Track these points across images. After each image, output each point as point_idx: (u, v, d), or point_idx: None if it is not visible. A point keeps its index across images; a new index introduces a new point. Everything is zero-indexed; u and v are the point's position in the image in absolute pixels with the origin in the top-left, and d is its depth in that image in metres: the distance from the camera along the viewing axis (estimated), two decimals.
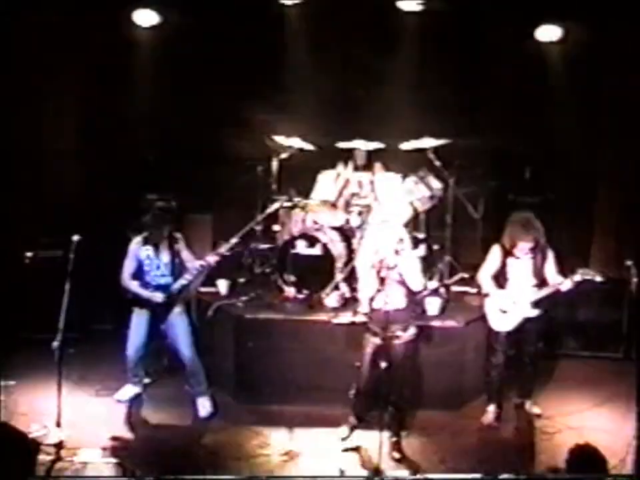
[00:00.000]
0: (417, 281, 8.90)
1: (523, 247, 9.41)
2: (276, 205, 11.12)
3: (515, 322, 9.55)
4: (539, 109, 12.17)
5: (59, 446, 8.51)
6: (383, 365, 8.52)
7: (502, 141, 12.26)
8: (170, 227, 9.56)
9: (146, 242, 9.49)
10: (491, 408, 9.80)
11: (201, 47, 12.18)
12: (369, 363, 8.78)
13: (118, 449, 8.85)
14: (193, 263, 9.47)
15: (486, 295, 9.67)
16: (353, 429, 9.10)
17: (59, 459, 8.40)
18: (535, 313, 9.51)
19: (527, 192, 11.96)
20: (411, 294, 8.93)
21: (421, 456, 9.01)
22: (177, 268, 9.48)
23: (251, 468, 8.61)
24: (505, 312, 9.54)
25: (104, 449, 8.69)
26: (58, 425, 8.61)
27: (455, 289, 11.28)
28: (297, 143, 11.17)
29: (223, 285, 10.85)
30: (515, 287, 9.51)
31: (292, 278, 10.57)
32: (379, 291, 8.73)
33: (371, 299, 8.87)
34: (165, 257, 9.48)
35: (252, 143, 11.78)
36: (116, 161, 12.29)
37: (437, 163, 11.17)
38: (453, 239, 11.34)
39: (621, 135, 11.99)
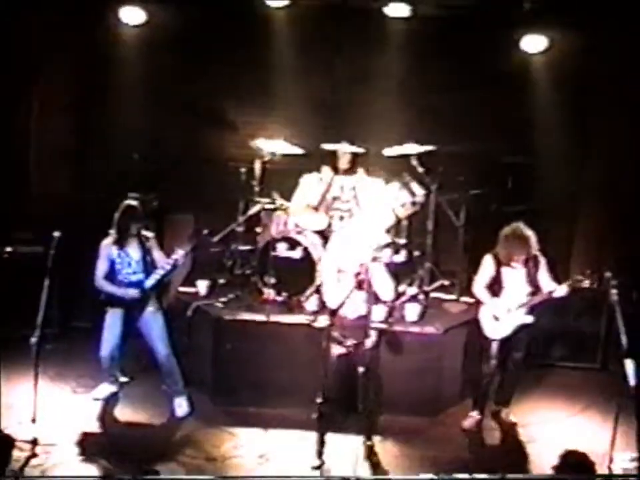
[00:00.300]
0: (386, 289, 8.89)
1: (518, 258, 9.52)
2: (258, 207, 11.14)
3: (509, 330, 9.59)
4: (523, 117, 12.18)
5: (34, 442, 8.48)
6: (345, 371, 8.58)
7: (485, 149, 12.28)
8: (139, 225, 9.54)
9: (116, 240, 9.49)
10: (474, 413, 9.84)
11: (185, 47, 12.14)
12: (333, 370, 8.67)
13: (93, 446, 8.81)
14: (164, 260, 9.46)
15: (480, 304, 9.71)
16: (320, 454, 8.73)
17: (33, 455, 8.37)
18: (528, 320, 9.55)
19: (509, 201, 11.97)
20: (375, 301, 8.81)
21: (396, 461, 9.02)
22: (149, 265, 9.49)
23: (225, 469, 8.60)
24: (499, 320, 9.57)
25: (79, 446, 8.64)
26: (33, 421, 8.58)
27: (434, 295, 11.29)
28: (280, 145, 11.18)
29: (202, 286, 10.83)
30: (509, 295, 9.57)
31: (272, 280, 10.54)
32: (344, 297, 8.63)
33: (335, 305, 8.72)
34: (136, 254, 9.49)
35: (235, 144, 11.76)
36: (100, 159, 12.25)
37: (420, 169, 11.19)
38: (433, 246, 11.35)
39: (604, 144, 12.04)
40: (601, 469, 8.15)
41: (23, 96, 11.81)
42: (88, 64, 12.14)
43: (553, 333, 11.60)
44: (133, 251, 9.49)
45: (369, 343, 8.74)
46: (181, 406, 9.73)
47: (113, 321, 9.47)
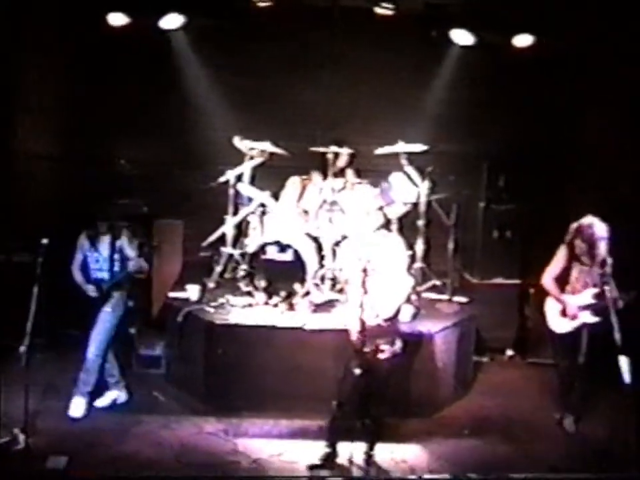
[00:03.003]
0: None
1: (589, 254, 9.54)
2: (247, 210, 11.10)
3: (573, 326, 9.63)
4: (514, 115, 12.17)
5: (26, 452, 8.40)
6: (365, 377, 8.36)
7: (476, 148, 12.25)
8: (108, 224, 9.56)
9: (87, 235, 9.61)
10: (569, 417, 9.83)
11: (171, 50, 12.09)
12: (352, 377, 8.41)
13: (85, 456, 8.72)
14: (132, 261, 9.50)
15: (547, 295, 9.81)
16: (327, 457, 8.77)
17: (25, 465, 8.29)
18: (593, 319, 9.51)
19: (499, 200, 11.95)
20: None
21: (390, 464, 8.98)
22: (115, 264, 9.51)
23: (219, 475, 8.56)
24: (566, 315, 9.64)
25: (71, 456, 8.57)
26: (24, 431, 8.51)
27: (426, 295, 11.25)
28: (268, 147, 11.14)
29: (193, 290, 10.76)
30: (575, 291, 9.65)
31: (263, 283, 10.51)
32: (365, 302, 8.48)
33: (359, 311, 8.51)
34: (105, 251, 9.54)
35: (224, 147, 11.67)
36: (88, 165, 12.17)
37: (410, 169, 11.17)
38: (424, 246, 11.31)
39: (594, 143, 12.02)
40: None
41: (6, 101, 11.71)
42: (74, 67, 12.05)
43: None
44: (103, 248, 9.55)
45: (393, 349, 8.60)
46: (77, 407, 9.64)
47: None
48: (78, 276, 9.64)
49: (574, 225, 9.72)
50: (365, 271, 8.40)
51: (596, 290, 9.45)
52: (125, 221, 9.77)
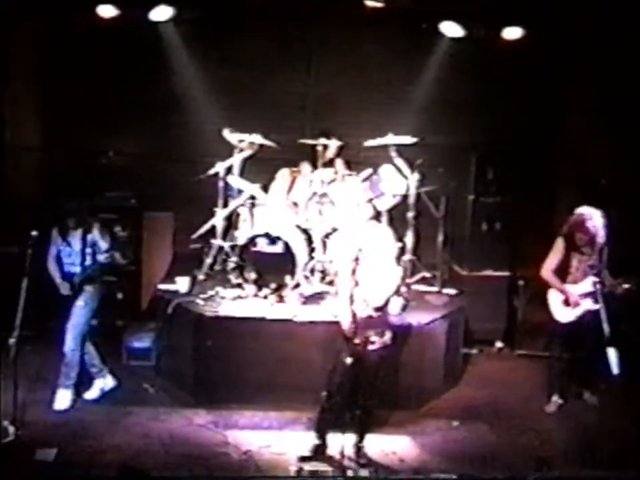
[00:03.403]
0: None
1: (587, 243, 9.70)
2: (237, 202, 11.11)
3: (576, 314, 9.75)
4: (503, 109, 12.20)
5: (15, 444, 8.40)
6: (355, 368, 8.40)
7: (465, 141, 12.27)
8: (78, 218, 9.51)
9: (59, 230, 9.57)
10: (554, 398, 9.99)
11: (160, 43, 12.08)
12: (342, 369, 8.47)
13: (74, 448, 8.73)
14: (104, 254, 9.47)
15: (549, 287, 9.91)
16: (316, 449, 8.79)
17: (14, 457, 8.29)
18: (595, 307, 9.50)
19: (488, 192, 11.97)
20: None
21: (379, 455, 8.99)
22: (87, 257, 9.49)
23: (210, 467, 8.54)
24: (569, 305, 9.77)
25: (60, 448, 8.57)
26: (13, 423, 8.51)
27: (415, 287, 11.28)
28: (258, 139, 11.15)
29: (182, 283, 10.76)
30: (576, 280, 9.78)
31: (252, 275, 10.51)
32: (355, 293, 8.53)
33: (348, 302, 8.55)
34: (77, 246, 9.51)
35: (213, 140, 11.67)
36: (76, 158, 12.16)
37: (400, 162, 11.19)
38: (414, 238, 11.33)
39: (582, 136, 12.06)
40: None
41: None
42: (63, 59, 12.04)
43: (534, 322, 11.63)
44: (75, 242, 9.51)
45: (384, 340, 8.57)
46: (62, 400, 9.66)
47: None
48: (53, 270, 9.62)
49: (572, 217, 9.77)
50: (356, 259, 8.44)
51: (596, 278, 9.56)
52: (95, 215, 9.78)
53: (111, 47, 11.98)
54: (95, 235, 9.52)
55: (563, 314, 9.83)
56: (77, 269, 9.52)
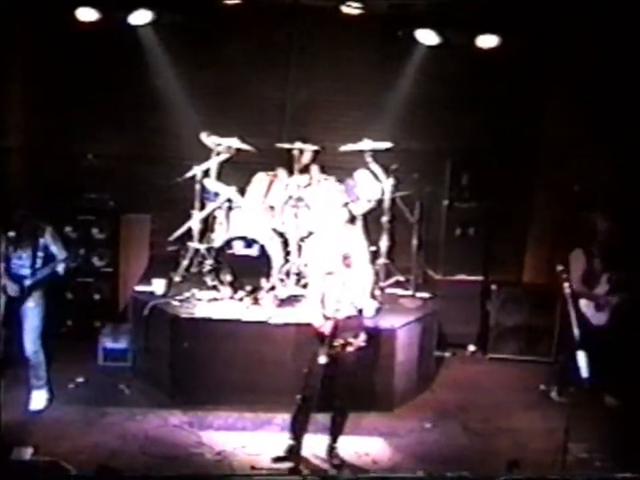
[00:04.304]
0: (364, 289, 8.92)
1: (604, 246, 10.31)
2: (213, 205, 11.17)
3: (608, 313, 10.35)
4: (478, 115, 12.29)
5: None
6: (329, 369, 8.51)
7: (440, 147, 12.35)
8: (29, 223, 9.49)
9: (7, 233, 9.42)
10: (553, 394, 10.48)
11: (140, 45, 12.10)
12: (318, 371, 8.54)
13: (50, 447, 8.77)
14: (61, 263, 9.52)
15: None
16: (291, 449, 8.86)
17: None
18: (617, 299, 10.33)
19: (462, 197, 12.08)
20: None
21: (352, 456, 9.09)
22: (38, 261, 9.48)
23: (184, 467, 8.61)
24: (600, 308, 10.32)
25: (36, 447, 8.63)
26: None
27: (390, 291, 11.37)
28: (235, 143, 11.21)
29: (159, 284, 10.81)
30: (599, 283, 10.37)
31: (228, 278, 10.58)
32: (331, 297, 8.68)
33: (323, 306, 8.73)
34: (28, 249, 9.48)
35: (191, 143, 11.73)
36: (55, 159, 12.19)
37: (375, 166, 11.28)
38: (388, 242, 11.43)
39: (556, 142, 12.18)
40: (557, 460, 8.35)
41: None
42: (39, 61, 12.05)
43: (507, 327, 11.75)
44: (25, 244, 9.47)
45: (358, 342, 8.66)
46: (37, 400, 9.74)
47: None
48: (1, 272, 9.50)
49: (593, 226, 10.37)
50: (345, 259, 8.57)
51: (607, 274, 10.26)
52: (47, 221, 9.68)
53: (91, 50, 11.95)
54: (47, 240, 9.52)
55: (599, 318, 10.30)
56: (27, 272, 9.47)
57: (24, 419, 9.40)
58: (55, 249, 9.55)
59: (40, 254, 9.48)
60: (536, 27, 11.63)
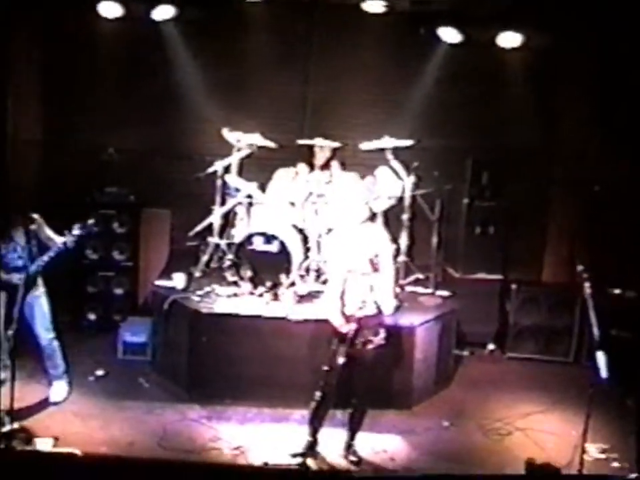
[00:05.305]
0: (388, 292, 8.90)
1: None
2: (234, 201, 11.19)
3: None
4: (499, 114, 12.27)
5: (11, 435, 8.49)
6: (348, 367, 8.53)
7: (460, 145, 12.33)
8: (19, 216, 9.48)
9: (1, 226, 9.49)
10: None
11: (161, 41, 12.14)
12: (338, 368, 8.53)
13: (70, 439, 8.79)
14: (53, 243, 9.46)
15: None
16: (309, 446, 8.86)
17: (10, 448, 8.36)
18: None
19: (483, 196, 12.07)
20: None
21: (370, 454, 9.10)
22: (34, 250, 9.47)
23: (202, 461, 8.58)
24: None
25: (56, 439, 8.67)
26: (10, 414, 8.59)
27: (409, 289, 11.37)
28: (256, 139, 11.23)
29: (179, 279, 10.84)
30: None
31: (248, 273, 10.60)
32: (352, 295, 8.68)
33: (343, 304, 8.76)
34: (21, 240, 9.47)
35: (212, 138, 11.76)
36: (76, 153, 12.24)
37: (396, 164, 11.27)
38: (408, 240, 11.43)
39: (577, 142, 12.16)
40: (574, 460, 8.35)
41: None
42: (60, 56, 12.10)
43: (527, 326, 11.74)
44: (19, 236, 9.46)
45: (378, 340, 8.72)
46: (58, 391, 9.78)
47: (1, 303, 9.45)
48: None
49: None
50: (373, 262, 8.57)
51: None
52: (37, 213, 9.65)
53: (113, 45, 12.02)
54: (38, 227, 9.50)
55: None
56: (26, 262, 9.43)
57: (44, 410, 9.45)
58: (44, 236, 9.52)
59: (33, 242, 9.46)
60: (558, 26, 11.59)
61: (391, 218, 11.32)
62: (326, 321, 8.92)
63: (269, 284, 10.56)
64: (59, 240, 9.45)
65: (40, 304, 9.61)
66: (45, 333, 9.64)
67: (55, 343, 9.74)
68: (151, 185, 12.28)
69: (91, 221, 9.51)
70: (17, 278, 9.33)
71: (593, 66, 11.75)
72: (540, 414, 10.16)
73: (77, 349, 10.39)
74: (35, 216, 9.56)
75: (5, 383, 8.88)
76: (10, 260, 9.46)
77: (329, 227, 10.84)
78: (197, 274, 11.13)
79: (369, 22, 12.08)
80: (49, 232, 9.58)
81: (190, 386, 10.15)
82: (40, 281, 9.61)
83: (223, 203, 11.33)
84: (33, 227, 9.49)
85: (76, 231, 9.38)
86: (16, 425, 8.63)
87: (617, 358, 8.36)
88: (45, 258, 9.44)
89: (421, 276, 11.54)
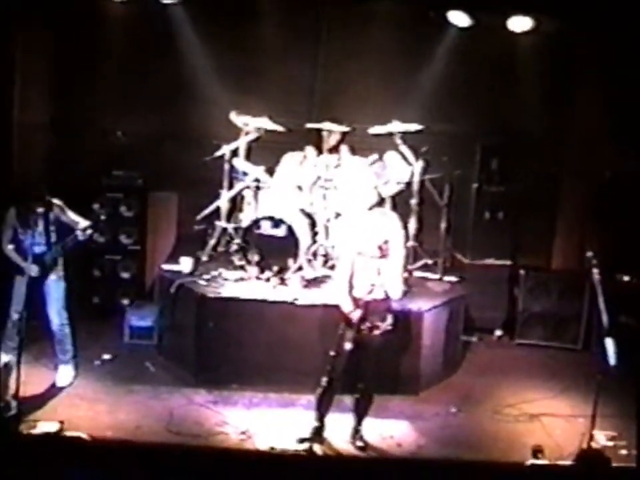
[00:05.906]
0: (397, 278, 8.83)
1: None
2: (242, 185, 11.15)
3: None
4: (509, 99, 12.21)
5: (17, 418, 8.48)
6: (356, 352, 8.48)
7: (469, 130, 12.29)
8: (38, 202, 9.39)
9: (18, 213, 9.50)
10: None
11: (169, 26, 12.09)
12: (345, 353, 8.50)
13: (76, 423, 8.78)
14: (76, 226, 9.46)
15: None
16: (315, 431, 8.80)
17: (16, 431, 8.35)
18: None
19: (492, 181, 12.03)
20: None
21: (377, 439, 9.07)
22: (52, 237, 9.48)
23: (208, 446, 8.58)
24: None
25: (61, 422, 8.65)
26: (16, 397, 8.58)
27: (417, 274, 11.32)
28: (264, 123, 11.18)
29: (186, 263, 10.82)
30: None
31: (256, 258, 10.57)
32: (360, 279, 8.63)
33: (351, 289, 8.69)
34: (39, 226, 9.46)
35: (219, 122, 11.71)
36: (85, 136, 12.22)
37: (405, 149, 11.22)
38: (417, 225, 11.38)
39: (587, 127, 12.09)
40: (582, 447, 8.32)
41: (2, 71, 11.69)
42: (69, 39, 12.05)
43: (536, 313, 11.70)
44: (38, 222, 9.44)
45: (385, 325, 8.67)
46: (64, 375, 9.78)
47: (18, 287, 9.39)
48: (12, 253, 9.50)
49: None
50: (382, 249, 8.51)
51: None
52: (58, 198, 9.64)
53: (121, 28, 11.98)
54: (58, 212, 9.50)
55: None
56: (44, 248, 9.47)
57: (50, 394, 9.44)
58: (68, 219, 9.54)
59: (52, 228, 9.48)
60: (569, 9, 11.51)
61: (399, 203, 11.27)
62: (333, 306, 8.89)
63: (276, 268, 10.52)
64: (82, 224, 9.45)
65: (55, 287, 9.63)
66: (56, 317, 9.66)
67: (67, 329, 9.76)
68: (159, 168, 12.24)
69: (96, 206, 9.54)
70: (34, 270, 9.32)
71: (604, 51, 11.64)
72: (548, 400, 10.12)
73: (84, 333, 10.35)
74: (55, 201, 9.55)
75: (11, 367, 8.86)
76: (28, 246, 9.39)
77: (337, 212, 10.80)
78: (204, 258, 11.11)
79: (378, 6, 12.02)
80: (73, 215, 9.58)
81: (197, 370, 10.13)
82: (60, 265, 9.63)
83: (230, 186, 11.31)
84: (51, 212, 9.48)
85: (86, 225, 9.44)
86: (22, 409, 8.60)
87: (625, 345, 8.33)
88: (69, 243, 9.45)
89: (429, 261, 11.50)
